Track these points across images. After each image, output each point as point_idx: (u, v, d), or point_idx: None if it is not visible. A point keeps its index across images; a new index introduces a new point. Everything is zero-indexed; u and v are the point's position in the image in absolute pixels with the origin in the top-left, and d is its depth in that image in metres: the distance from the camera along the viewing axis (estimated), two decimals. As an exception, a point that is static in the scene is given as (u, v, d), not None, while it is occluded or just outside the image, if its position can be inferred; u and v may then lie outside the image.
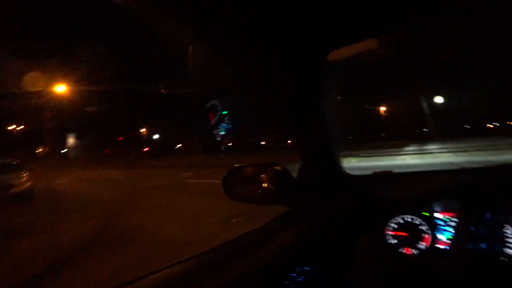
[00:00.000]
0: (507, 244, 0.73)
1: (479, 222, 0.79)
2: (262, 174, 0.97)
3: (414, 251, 0.84)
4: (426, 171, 1.19)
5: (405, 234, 0.85)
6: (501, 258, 0.73)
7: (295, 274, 0.77)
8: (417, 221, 0.86)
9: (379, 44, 0.79)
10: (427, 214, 0.86)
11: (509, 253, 0.73)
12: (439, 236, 0.83)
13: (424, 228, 0.85)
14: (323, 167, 0.99)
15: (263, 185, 0.96)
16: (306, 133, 0.98)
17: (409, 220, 0.87)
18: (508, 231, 0.74)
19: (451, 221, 0.83)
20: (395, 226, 0.87)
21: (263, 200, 1.04)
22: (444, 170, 1.31)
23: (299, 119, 0.97)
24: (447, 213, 0.84)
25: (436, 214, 0.85)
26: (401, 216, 0.87)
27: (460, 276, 0.71)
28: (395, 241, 0.85)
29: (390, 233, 0.87)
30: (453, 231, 0.82)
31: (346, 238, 0.83)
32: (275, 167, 0.96)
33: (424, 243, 0.83)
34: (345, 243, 0.82)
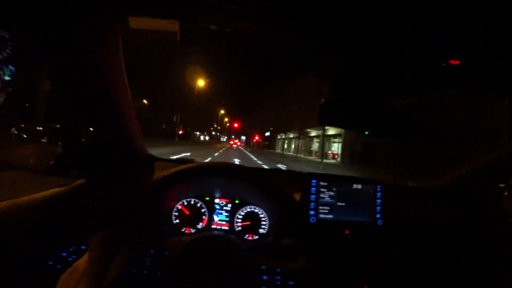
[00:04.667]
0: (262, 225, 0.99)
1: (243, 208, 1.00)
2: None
3: (192, 230, 0.97)
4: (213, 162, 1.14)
5: (187, 214, 0.98)
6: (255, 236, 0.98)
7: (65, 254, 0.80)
8: (199, 204, 1.00)
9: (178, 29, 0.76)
10: (208, 199, 1.01)
11: (261, 232, 0.99)
12: (215, 217, 1.00)
13: (203, 210, 1.00)
14: (124, 145, 0.96)
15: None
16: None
17: (193, 202, 1.00)
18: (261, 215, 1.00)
19: (225, 205, 1.01)
20: (180, 207, 0.98)
21: (43, 170, 0.92)
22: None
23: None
24: (222, 199, 1.01)
25: (216, 200, 1.01)
26: (187, 199, 1.00)
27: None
28: (178, 221, 0.97)
29: (175, 214, 0.97)
30: (227, 214, 1.00)
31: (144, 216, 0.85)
32: (68, 134, 0.88)
33: (201, 224, 0.99)
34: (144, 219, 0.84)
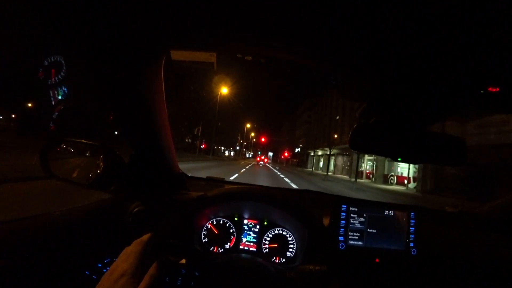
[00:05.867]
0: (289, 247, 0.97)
1: (271, 230, 0.99)
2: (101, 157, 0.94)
3: (219, 249, 0.96)
4: (246, 183, 1.18)
5: (216, 233, 0.97)
6: (282, 259, 0.95)
7: (100, 265, 0.82)
8: (228, 224, 0.99)
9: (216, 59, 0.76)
10: (237, 219, 0.99)
11: (288, 255, 0.96)
12: (243, 238, 0.99)
13: (231, 230, 0.98)
14: (161, 164, 0.99)
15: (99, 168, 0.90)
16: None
17: (222, 222, 0.99)
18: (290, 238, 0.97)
19: (253, 226, 0.99)
20: (210, 226, 0.98)
21: (85, 184, 0.92)
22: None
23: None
24: (251, 220, 1.00)
25: (244, 221, 0.99)
26: (217, 218, 0.99)
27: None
28: (206, 239, 0.97)
29: (204, 232, 0.97)
30: (255, 235, 0.98)
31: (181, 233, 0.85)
32: (109, 152, 0.89)
33: (229, 244, 0.97)
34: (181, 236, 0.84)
